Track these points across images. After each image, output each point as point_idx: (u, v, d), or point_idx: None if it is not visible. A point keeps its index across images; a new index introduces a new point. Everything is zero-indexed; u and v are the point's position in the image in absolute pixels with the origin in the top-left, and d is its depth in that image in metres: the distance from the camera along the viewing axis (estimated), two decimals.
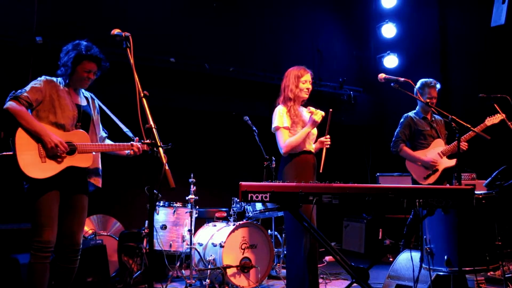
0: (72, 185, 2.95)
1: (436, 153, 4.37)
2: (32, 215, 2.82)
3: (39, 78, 2.98)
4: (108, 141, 3.23)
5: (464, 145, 4.30)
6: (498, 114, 4.28)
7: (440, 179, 4.34)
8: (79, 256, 3.00)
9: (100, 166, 3.12)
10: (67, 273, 2.96)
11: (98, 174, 3.10)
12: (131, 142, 3.06)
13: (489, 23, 5.62)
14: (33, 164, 2.76)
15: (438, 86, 4.50)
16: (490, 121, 4.32)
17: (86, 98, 3.18)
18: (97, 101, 3.24)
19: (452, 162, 4.35)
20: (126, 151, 3.09)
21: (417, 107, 4.61)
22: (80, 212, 3.01)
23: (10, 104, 2.79)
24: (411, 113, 4.59)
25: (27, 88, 2.89)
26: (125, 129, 3.15)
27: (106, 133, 3.28)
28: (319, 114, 3.54)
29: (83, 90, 3.16)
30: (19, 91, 2.85)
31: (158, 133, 2.32)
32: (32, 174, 2.74)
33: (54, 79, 3.03)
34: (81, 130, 2.98)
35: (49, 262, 2.82)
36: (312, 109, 3.59)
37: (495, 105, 4.18)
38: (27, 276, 2.81)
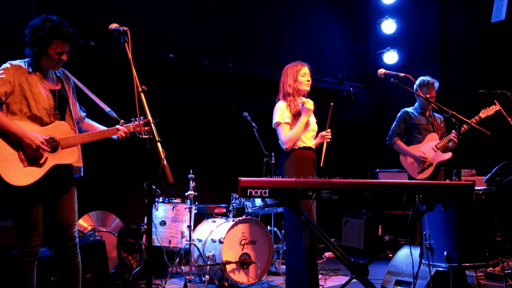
0: (58, 183, 2.72)
1: (430, 147, 4.36)
2: (16, 220, 2.62)
3: (3, 65, 2.60)
4: (88, 120, 2.97)
5: (455, 138, 4.23)
6: (493, 106, 4.20)
7: (434, 173, 4.33)
8: (79, 250, 2.81)
9: (80, 154, 2.83)
10: (73, 270, 2.77)
11: (79, 163, 2.82)
12: (117, 126, 2.82)
13: (490, 18, 5.60)
14: (15, 170, 2.49)
15: (436, 84, 4.47)
16: (485, 113, 4.26)
17: (59, 78, 2.81)
18: (71, 79, 2.88)
19: (447, 156, 4.34)
20: (113, 136, 2.85)
21: (416, 103, 4.60)
22: (69, 207, 2.77)
23: None
24: (409, 108, 4.60)
25: None
26: (107, 109, 2.88)
27: (84, 111, 2.97)
28: (310, 102, 3.58)
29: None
30: None
31: (157, 128, 2.30)
32: (15, 182, 2.47)
33: (21, 63, 2.65)
34: (61, 121, 2.70)
35: (35, 265, 2.66)
36: (303, 99, 3.59)
37: (495, 101, 4.16)
38: (17, 280, 2.62)
